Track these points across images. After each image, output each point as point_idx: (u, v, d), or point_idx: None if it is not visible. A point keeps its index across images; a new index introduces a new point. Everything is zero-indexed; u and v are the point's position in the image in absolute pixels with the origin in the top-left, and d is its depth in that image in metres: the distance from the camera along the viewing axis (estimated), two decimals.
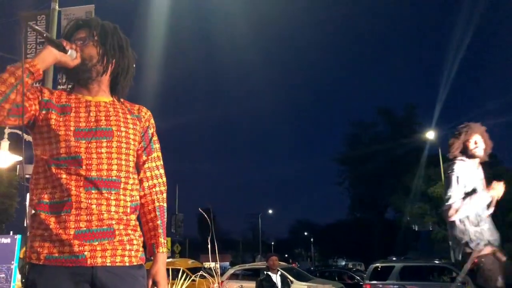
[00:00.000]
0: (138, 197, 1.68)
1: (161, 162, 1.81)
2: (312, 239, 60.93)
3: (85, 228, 1.48)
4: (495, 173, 32.33)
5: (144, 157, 1.75)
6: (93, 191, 1.51)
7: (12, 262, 6.88)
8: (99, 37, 1.69)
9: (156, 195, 1.75)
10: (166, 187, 1.80)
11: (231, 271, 14.17)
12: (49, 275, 1.46)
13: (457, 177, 3.27)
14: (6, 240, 7.08)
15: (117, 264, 1.52)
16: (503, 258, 3.19)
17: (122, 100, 1.78)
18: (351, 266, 36.70)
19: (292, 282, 6.30)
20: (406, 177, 32.43)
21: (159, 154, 1.81)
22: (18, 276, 7.14)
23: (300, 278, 12.38)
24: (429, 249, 31.76)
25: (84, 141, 1.55)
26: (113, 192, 1.55)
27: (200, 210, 6.02)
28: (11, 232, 7.65)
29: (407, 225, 36.35)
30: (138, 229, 1.66)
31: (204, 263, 19.46)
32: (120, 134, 1.63)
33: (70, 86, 1.77)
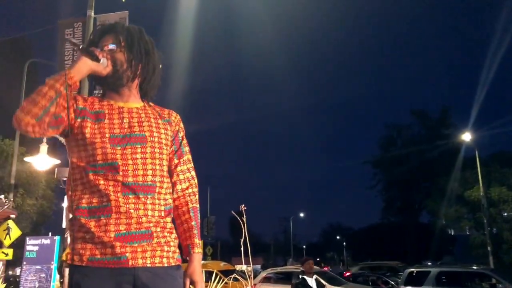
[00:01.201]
0: (171, 200, 1.71)
1: (192, 164, 1.83)
2: (344, 243, 60.23)
3: (125, 231, 1.52)
4: None
5: (176, 160, 1.77)
6: (130, 196, 1.55)
7: (52, 262, 7.08)
8: (125, 43, 1.71)
9: (189, 196, 1.78)
10: (198, 188, 1.83)
11: (263, 274, 14.13)
12: (93, 276, 1.49)
13: None
14: (46, 241, 7.30)
15: (157, 264, 1.55)
16: None
17: (152, 104, 1.82)
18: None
19: (324, 286, 6.23)
20: (441, 180, 31.67)
21: (189, 156, 1.84)
22: (57, 276, 7.34)
23: (334, 282, 12.24)
24: (466, 254, 30.86)
25: (119, 148, 1.59)
26: (149, 196, 1.59)
27: (233, 213, 6.04)
28: (50, 233, 7.87)
29: (442, 229, 35.44)
30: (174, 231, 1.69)
31: (236, 266, 19.53)
32: (153, 140, 1.66)
33: (101, 92, 1.82)
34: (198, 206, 1.80)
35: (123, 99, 1.73)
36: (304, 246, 68.79)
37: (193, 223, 1.75)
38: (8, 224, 10.29)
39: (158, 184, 1.62)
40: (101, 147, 1.57)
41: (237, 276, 7.46)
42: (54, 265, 7.12)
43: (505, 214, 30.49)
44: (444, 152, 35.11)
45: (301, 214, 64.74)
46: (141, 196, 1.56)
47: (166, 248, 1.59)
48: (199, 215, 1.80)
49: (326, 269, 22.66)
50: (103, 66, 1.64)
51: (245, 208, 6.22)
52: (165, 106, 1.88)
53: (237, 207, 5.74)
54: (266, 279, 13.35)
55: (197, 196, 1.82)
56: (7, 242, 10.28)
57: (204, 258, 26.31)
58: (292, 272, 13.45)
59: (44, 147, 8.06)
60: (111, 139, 1.59)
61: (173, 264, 1.61)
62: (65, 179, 7.02)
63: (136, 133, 1.63)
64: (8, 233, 10.26)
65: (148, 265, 1.52)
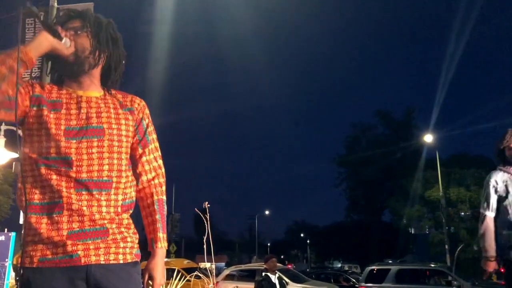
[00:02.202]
0: (133, 194, 1.65)
1: (159, 153, 1.76)
2: (308, 241, 60.92)
3: (78, 229, 1.47)
4: None
5: (140, 150, 1.70)
6: (83, 193, 1.49)
7: (6, 260, 6.84)
8: (92, 29, 1.64)
9: (155, 188, 1.71)
10: (165, 178, 1.76)
11: (226, 271, 14.13)
12: (44, 277, 1.45)
13: (494, 187, 3.36)
14: (0, 238, 7.05)
15: (111, 262, 1.51)
16: None
17: (114, 92, 1.73)
18: (347, 268, 36.63)
19: (287, 283, 6.29)
20: (404, 180, 32.49)
21: (157, 144, 1.76)
22: (12, 274, 7.11)
23: (296, 279, 12.36)
24: (426, 252, 31.79)
25: (74, 141, 1.52)
26: (103, 192, 1.53)
27: (196, 210, 6.00)
28: (6, 230, 7.61)
29: (404, 228, 36.36)
30: (132, 226, 1.63)
31: (200, 264, 19.43)
32: (112, 132, 1.58)
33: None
34: (164, 198, 1.73)
35: (83, 88, 1.64)
36: (269, 244, 69.15)
37: (157, 216, 1.68)
38: None
39: (114, 180, 1.55)
40: (55, 140, 1.50)
41: (199, 274, 7.43)
42: (8, 263, 6.89)
43: (463, 213, 31.61)
44: (407, 153, 36.09)
45: (267, 212, 65.10)
46: (94, 193, 1.50)
47: (122, 245, 1.54)
48: (165, 207, 1.73)
49: (289, 266, 22.84)
50: (66, 46, 1.56)
51: (208, 205, 6.18)
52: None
53: (202, 204, 5.71)
54: (229, 277, 13.35)
55: (163, 187, 1.74)
56: None
57: (168, 256, 26.02)
58: (256, 270, 13.50)
59: (1, 140, 7.78)
60: (66, 132, 1.51)
61: (129, 260, 1.56)
62: None
63: (93, 125, 1.55)
64: None
65: (102, 262, 1.48)
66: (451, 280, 10.54)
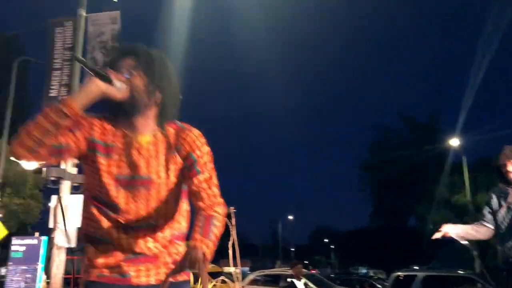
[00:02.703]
0: (183, 226, 1.71)
1: (214, 181, 1.68)
2: (332, 246, 60.37)
3: (130, 256, 1.59)
4: None
5: (196, 181, 1.64)
6: (132, 233, 1.59)
7: (38, 263, 7.02)
8: (145, 67, 1.60)
9: (211, 218, 1.63)
10: (223, 209, 1.68)
11: (251, 276, 14.13)
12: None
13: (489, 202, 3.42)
14: (32, 241, 7.23)
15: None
16: None
17: (167, 128, 1.67)
18: (372, 274, 36.23)
19: None
20: (429, 185, 31.96)
21: (209, 175, 1.67)
22: (44, 277, 7.29)
23: (321, 285, 12.28)
24: (453, 258, 31.14)
25: (123, 190, 1.58)
26: (152, 233, 1.61)
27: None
28: (37, 234, 7.80)
29: (430, 234, 35.70)
30: (181, 249, 1.69)
31: (224, 268, 19.47)
32: (160, 181, 1.61)
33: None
34: (217, 224, 1.62)
35: (136, 129, 1.62)
36: (292, 249, 68.83)
37: (200, 223, 1.61)
38: None
39: (162, 223, 1.63)
40: (106, 187, 1.57)
41: (224, 279, 7.47)
42: (40, 266, 7.06)
43: None
44: (433, 157, 35.43)
45: (290, 217, 64.87)
46: (143, 234, 1.60)
47: (172, 266, 1.61)
48: (214, 228, 1.60)
49: (313, 272, 22.71)
50: (118, 90, 1.53)
51: (234, 210, 6.21)
52: None
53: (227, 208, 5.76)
54: (254, 281, 13.35)
55: (219, 218, 1.63)
56: None
57: None
58: (280, 275, 13.48)
59: None
60: (116, 180, 1.58)
61: (179, 279, 1.63)
62: (53, 178, 6.99)
63: (141, 175, 1.59)
64: None
65: (152, 283, 1.58)
66: (480, 287, 10.30)
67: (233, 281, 7.98)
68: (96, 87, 1.50)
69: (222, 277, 6.78)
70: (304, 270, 14.47)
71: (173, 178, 1.64)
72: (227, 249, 5.74)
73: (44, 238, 7.26)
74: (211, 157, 1.71)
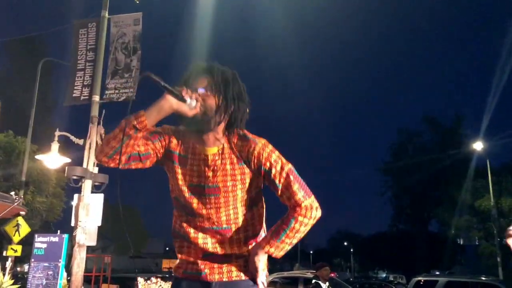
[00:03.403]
0: (257, 229, 1.85)
1: (294, 187, 1.74)
2: (352, 250, 59.86)
3: (207, 255, 1.78)
4: None
5: (279, 193, 1.76)
6: (208, 236, 1.78)
7: (60, 260, 7.12)
8: (219, 87, 1.68)
9: (288, 221, 1.76)
10: (307, 211, 1.76)
11: (269, 278, 14.10)
12: (184, 284, 1.81)
13: None
14: (54, 239, 7.35)
15: (234, 278, 1.78)
16: None
17: (235, 141, 1.76)
18: (392, 279, 35.76)
19: None
20: (452, 189, 31.41)
21: (286, 181, 1.75)
22: (65, 274, 7.39)
23: None
24: (475, 264, 30.53)
25: (195, 197, 1.75)
26: (224, 236, 1.77)
27: None
28: (59, 231, 7.92)
29: (452, 239, 35.11)
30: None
31: None
32: (227, 189, 1.73)
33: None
34: (297, 227, 1.75)
35: (205, 144, 1.73)
36: (311, 252, 68.49)
37: (274, 227, 1.78)
38: (18, 221, 10.38)
39: (233, 227, 1.77)
40: (181, 194, 1.76)
41: None
42: (62, 263, 7.16)
43: None
44: (456, 161, 34.80)
45: None
46: (218, 236, 1.78)
47: (243, 268, 1.79)
48: (291, 226, 1.74)
49: (333, 275, 22.54)
50: (190, 108, 1.62)
51: None
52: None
53: None
54: (272, 283, 13.31)
55: (298, 220, 1.75)
56: (16, 238, 10.38)
57: None
58: (298, 277, 13.41)
59: (55, 146, 8.13)
60: (189, 188, 1.75)
61: (250, 277, 1.79)
62: (75, 177, 7.09)
63: (209, 184, 1.73)
64: (17, 230, 10.37)
65: (225, 280, 1.76)
66: None
67: None
68: (168, 104, 1.61)
69: None
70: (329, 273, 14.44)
71: (240, 186, 1.74)
72: None
73: (66, 236, 7.36)
74: (282, 160, 1.76)
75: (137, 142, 1.66)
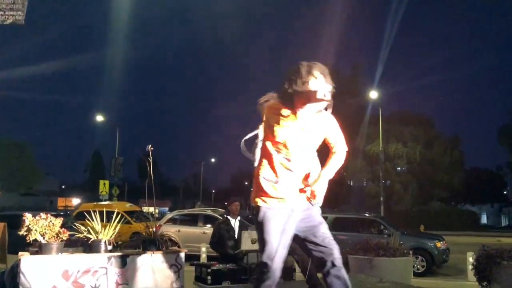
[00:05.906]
0: (319, 168, 2.84)
1: (339, 138, 2.90)
2: (251, 189, 62.09)
3: (289, 186, 2.73)
4: (429, 136, 33.87)
5: (332, 143, 2.91)
6: (291, 175, 2.76)
7: None
8: (332, 82, 2.76)
9: (330, 159, 2.86)
10: (341, 156, 2.92)
11: (169, 215, 14.27)
12: (273, 209, 2.73)
13: None
14: None
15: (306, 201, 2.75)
16: None
17: (316, 114, 2.74)
18: None
19: (248, 226, 6.33)
20: (348, 136, 33.48)
21: (337, 136, 2.91)
22: None
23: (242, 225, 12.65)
24: (361, 202, 33.47)
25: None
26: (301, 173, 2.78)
27: (140, 155, 5.92)
28: None
29: (342, 180, 37.91)
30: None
31: (143, 208, 19.43)
32: (309, 146, 2.78)
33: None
34: (335, 165, 2.85)
35: (312, 117, 2.69)
36: (213, 191, 70.10)
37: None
38: None
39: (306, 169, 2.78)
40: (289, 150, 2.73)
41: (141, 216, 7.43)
42: None
43: (399, 168, 33.31)
44: (353, 109, 36.91)
45: (213, 160, 65.51)
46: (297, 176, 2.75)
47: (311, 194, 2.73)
48: (330, 163, 2.84)
49: None
50: (324, 104, 2.65)
51: (152, 148, 6.09)
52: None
53: (147, 148, 5.60)
54: (172, 220, 13.49)
55: (337, 161, 2.88)
56: None
57: (110, 199, 25.85)
58: (198, 215, 13.71)
59: None
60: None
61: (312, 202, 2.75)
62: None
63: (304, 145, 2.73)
64: None
65: (301, 202, 2.71)
66: (383, 229, 11.22)
67: (149, 219, 7.97)
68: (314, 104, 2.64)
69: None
70: (220, 209, 14.77)
71: (316, 141, 2.78)
72: (147, 188, 5.64)
73: None
74: (336, 124, 2.87)
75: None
